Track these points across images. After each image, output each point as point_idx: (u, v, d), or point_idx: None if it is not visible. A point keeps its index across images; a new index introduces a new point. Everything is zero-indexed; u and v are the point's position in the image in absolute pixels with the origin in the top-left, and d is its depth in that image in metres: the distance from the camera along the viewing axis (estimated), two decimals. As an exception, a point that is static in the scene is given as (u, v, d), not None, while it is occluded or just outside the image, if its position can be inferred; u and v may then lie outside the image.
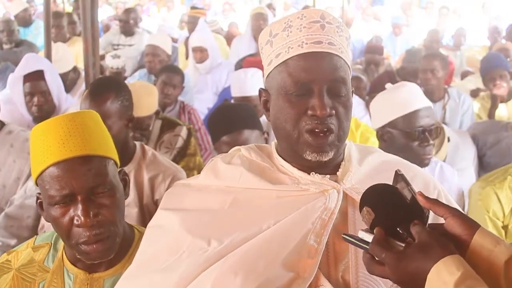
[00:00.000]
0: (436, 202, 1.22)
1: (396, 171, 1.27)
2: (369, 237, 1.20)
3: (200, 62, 5.91)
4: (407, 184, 1.23)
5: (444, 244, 1.14)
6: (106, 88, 2.68)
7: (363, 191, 1.40)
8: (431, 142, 2.66)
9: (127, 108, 2.71)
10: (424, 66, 4.89)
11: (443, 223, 1.21)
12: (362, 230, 1.23)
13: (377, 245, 1.18)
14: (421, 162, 2.62)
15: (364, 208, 1.23)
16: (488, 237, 1.16)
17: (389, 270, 1.16)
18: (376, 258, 1.19)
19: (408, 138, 2.62)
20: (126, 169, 2.54)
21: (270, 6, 10.31)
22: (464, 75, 6.85)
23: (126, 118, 2.70)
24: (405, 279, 1.15)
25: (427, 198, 1.21)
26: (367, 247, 1.20)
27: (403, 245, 1.17)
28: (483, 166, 3.83)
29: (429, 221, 1.23)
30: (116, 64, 5.41)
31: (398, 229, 1.19)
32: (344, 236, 1.25)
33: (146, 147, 2.83)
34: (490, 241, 1.16)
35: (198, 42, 5.93)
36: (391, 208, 1.21)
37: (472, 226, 1.18)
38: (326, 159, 1.40)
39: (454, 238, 1.18)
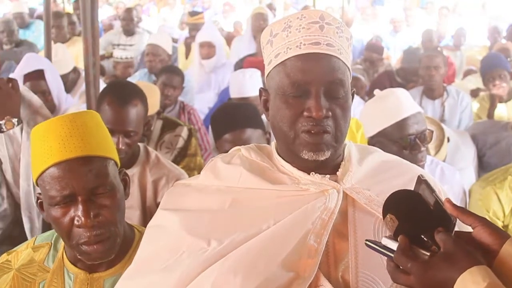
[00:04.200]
0: (463, 210, 1.20)
1: (418, 177, 1.25)
2: (392, 244, 1.20)
3: (206, 58, 5.81)
4: (431, 190, 1.21)
5: (470, 254, 1.13)
6: (132, 93, 2.62)
7: (363, 191, 1.41)
8: (422, 149, 2.60)
9: (147, 112, 2.71)
10: (427, 63, 4.88)
11: (469, 232, 1.20)
12: (386, 236, 1.23)
13: (403, 254, 1.17)
14: None
15: (388, 215, 1.22)
16: None
17: (415, 280, 1.15)
18: (401, 267, 1.18)
19: (399, 147, 2.57)
20: (130, 171, 2.53)
21: (270, 6, 10.31)
22: (466, 74, 6.84)
23: (145, 122, 2.72)
24: None
25: (454, 205, 1.20)
26: (391, 255, 1.19)
27: (428, 253, 1.17)
28: (483, 166, 3.83)
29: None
30: (125, 54, 5.38)
31: (422, 236, 1.19)
32: (366, 242, 1.25)
33: (150, 149, 2.82)
34: None
35: (207, 37, 5.83)
36: (415, 215, 1.20)
37: (502, 235, 1.17)
38: (322, 158, 1.39)
39: (481, 247, 1.17)
